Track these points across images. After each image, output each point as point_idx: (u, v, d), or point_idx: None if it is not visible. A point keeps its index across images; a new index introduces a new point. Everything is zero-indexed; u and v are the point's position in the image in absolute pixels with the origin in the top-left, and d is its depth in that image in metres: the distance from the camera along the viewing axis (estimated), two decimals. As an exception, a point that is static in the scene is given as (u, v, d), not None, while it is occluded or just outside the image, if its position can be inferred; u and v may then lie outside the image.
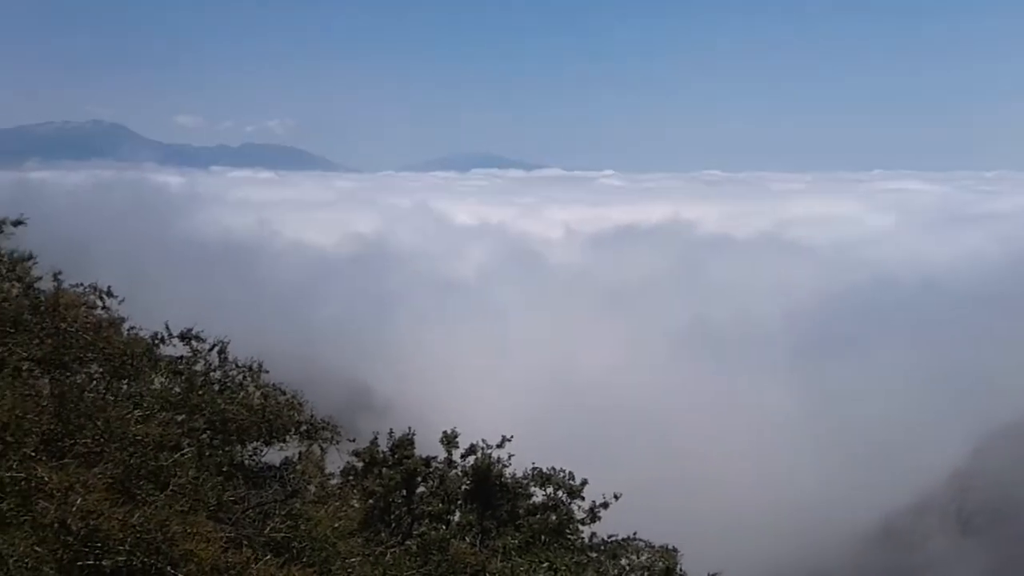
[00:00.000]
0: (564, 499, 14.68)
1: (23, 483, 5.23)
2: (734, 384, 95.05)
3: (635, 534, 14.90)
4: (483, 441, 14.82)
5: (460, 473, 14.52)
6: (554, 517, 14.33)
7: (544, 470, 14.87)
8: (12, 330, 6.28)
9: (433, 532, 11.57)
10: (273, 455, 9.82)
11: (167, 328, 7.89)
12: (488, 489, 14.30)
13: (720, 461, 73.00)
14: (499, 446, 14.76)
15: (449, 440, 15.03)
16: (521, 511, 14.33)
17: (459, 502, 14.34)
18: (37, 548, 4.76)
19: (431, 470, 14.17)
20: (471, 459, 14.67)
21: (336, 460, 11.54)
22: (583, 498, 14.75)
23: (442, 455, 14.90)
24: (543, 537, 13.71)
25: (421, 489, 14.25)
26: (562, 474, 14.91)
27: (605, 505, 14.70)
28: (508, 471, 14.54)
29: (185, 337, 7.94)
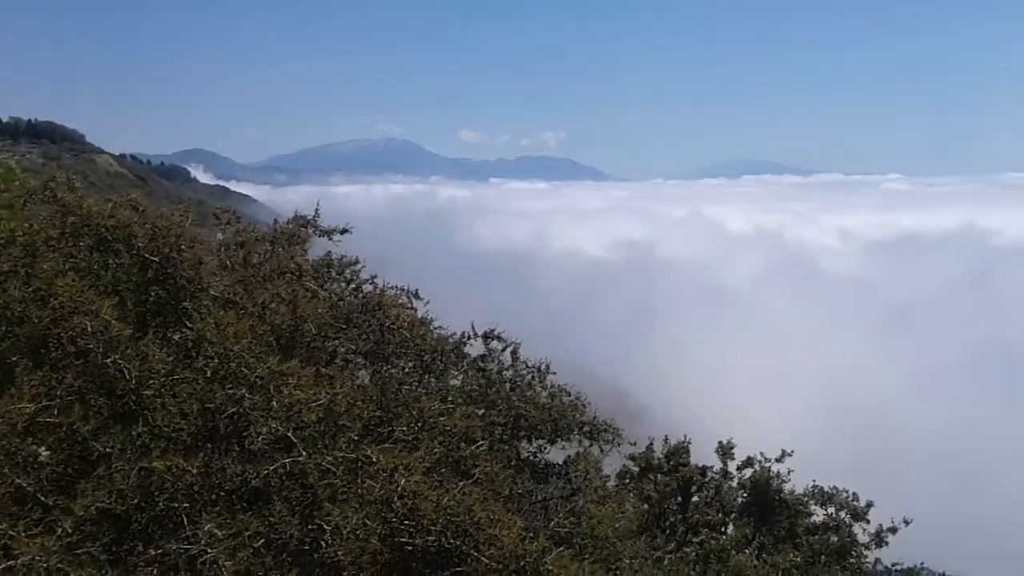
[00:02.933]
0: (847, 521, 14.02)
1: (352, 463, 5.86)
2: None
3: (922, 563, 13.92)
4: (761, 454, 14.50)
5: (736, 485, 14.29)
6: (835, 539, 13.73)
7: (826, 489, 14.29)
8: (344, 326, 7.06)
9: (712, 541, 11.49)
10: (552, 454, 10.23)
11: (472, 328, 8.52)
12: (766, 503, 13.97)
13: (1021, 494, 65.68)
14: (778, 460, 14.39)
15: (724, 451, 14.85)
16: (800, 529, 13.86)
17: (734, 515, 14.11)
18: (367, 522, 5.32)
19: (707, 480, 14.05)
20: (748, 472, 14.39)
21: (610, 463, 11.78)
22: (868, 521, 14.01)
23: (716, 465, 14.74)
24: (823, 558, 13.17)
25: (695, 498, 14.17)
26: (845, 494, 14.25)
27: (893, 530, 13.85)
28: (787, 487, 14.12)
29: (487, 337, 8.52)
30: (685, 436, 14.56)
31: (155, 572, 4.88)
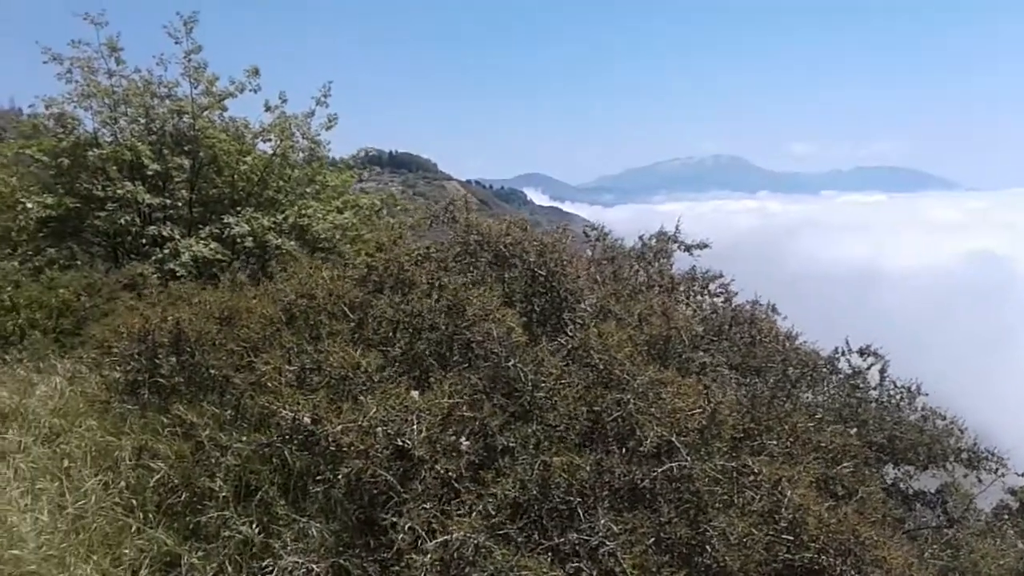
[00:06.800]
0: None
1: (731, 471, 5.95)
2: None
3: None
4: None
5: None
6: None
7: None
8: (715, 338, 7.20)
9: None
10: (922, 481, 9.58)
11: (847, 343, 8.29)
12: None
13: None
14: None
15: None
16: None
17: None
18: (753, 531, 5.38)
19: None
20: None
21: (983, 496, 10.80)
22: None
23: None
24: None
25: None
26: None
27: None
28: None
29: (863, 353, 8.26)
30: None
31: (552, 559, 5.28)
